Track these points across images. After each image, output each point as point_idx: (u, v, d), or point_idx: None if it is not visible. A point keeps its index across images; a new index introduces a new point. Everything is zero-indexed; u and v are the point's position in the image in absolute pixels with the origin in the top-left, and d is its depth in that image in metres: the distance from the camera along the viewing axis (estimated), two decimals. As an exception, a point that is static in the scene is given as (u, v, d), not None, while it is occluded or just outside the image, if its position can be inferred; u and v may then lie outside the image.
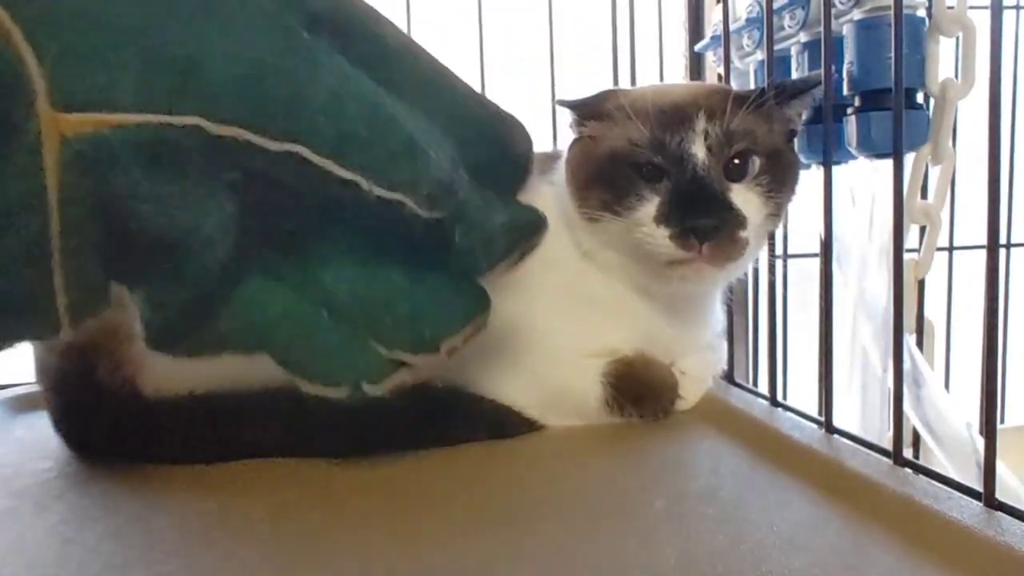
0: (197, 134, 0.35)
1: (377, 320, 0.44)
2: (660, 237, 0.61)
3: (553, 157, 0.79)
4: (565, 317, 0.69)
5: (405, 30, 1.00)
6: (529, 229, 0.46)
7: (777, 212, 0.66)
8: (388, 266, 0.45)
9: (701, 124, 0.63)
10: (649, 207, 0.63)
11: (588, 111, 0.68)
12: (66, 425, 0.64)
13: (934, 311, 0.98)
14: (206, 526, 0.48)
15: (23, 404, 0.78)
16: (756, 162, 0.64)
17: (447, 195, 0.43)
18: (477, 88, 1.07)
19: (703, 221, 0.60)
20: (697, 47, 0.99)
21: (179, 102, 0.35)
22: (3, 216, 0.32)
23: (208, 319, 0.41)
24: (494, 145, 0.46)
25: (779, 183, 0.65)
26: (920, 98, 0.72)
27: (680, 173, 0.62)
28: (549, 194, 0.73)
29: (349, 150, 0.39)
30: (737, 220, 0.61)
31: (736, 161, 0.64)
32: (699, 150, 0.62)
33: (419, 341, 0.43)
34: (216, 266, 0.40)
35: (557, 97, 1.02)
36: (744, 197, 0.63)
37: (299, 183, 0.39)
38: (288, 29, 0.38)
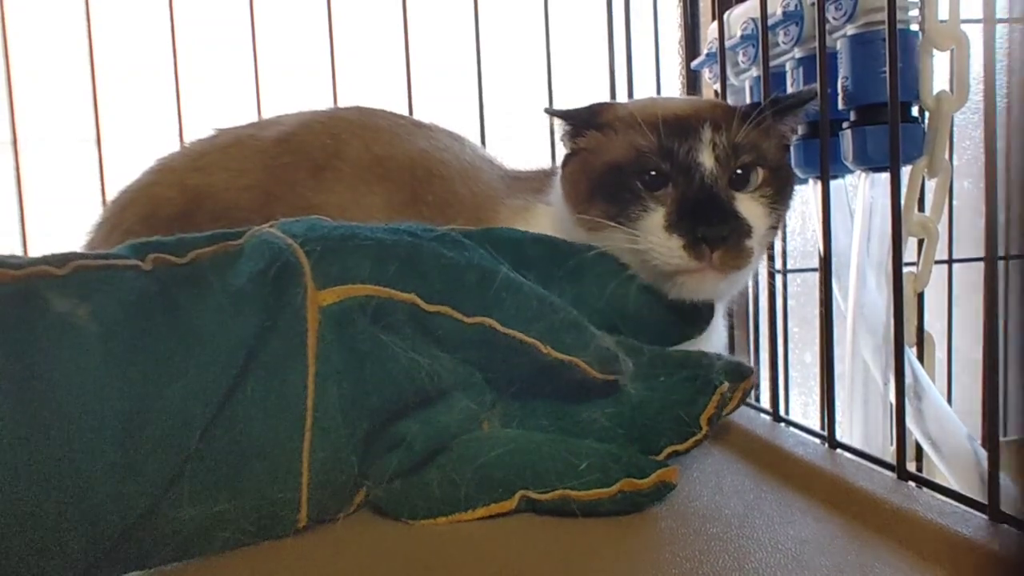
0: (411, 308, 0.50)
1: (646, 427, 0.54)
2: (674, 247, 0.61)
3: (549, 175, 0.79)
4: None
5: (403, 35, 1.03)
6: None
7: (776, 224, 0.66)
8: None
9: (708, 135, 0.63)
10: (656, 216, 0.62)
11: (584, 121, 0.68)
12: None
13: (934, 323, 0.99)
14: None
15: None
16: (760, 174, 0.64)
17: (614, 360, 0.55)
18: (476, 91, 1.07)
19: (714, 229, 0.60)
20: (693, 64, 1.00)
21: (399, 282, 0.50)
22: (267, 368, 0.45)
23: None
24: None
25: (780, 195, 0.65)
26: (915, 111, 0.72)
27: (687, 182, 0.62)
28: (545, 215, 0.73)
29: (526, 320, 0.52)
30: (744, 229, 0.61)
31: (740, 172, 0.64)
32: (707, 159, 0.62)
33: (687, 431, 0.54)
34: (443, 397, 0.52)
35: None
36: (748, 207, 0.63)
37: (496, 349, 0.52)
38: (469, 245, 0.56)
